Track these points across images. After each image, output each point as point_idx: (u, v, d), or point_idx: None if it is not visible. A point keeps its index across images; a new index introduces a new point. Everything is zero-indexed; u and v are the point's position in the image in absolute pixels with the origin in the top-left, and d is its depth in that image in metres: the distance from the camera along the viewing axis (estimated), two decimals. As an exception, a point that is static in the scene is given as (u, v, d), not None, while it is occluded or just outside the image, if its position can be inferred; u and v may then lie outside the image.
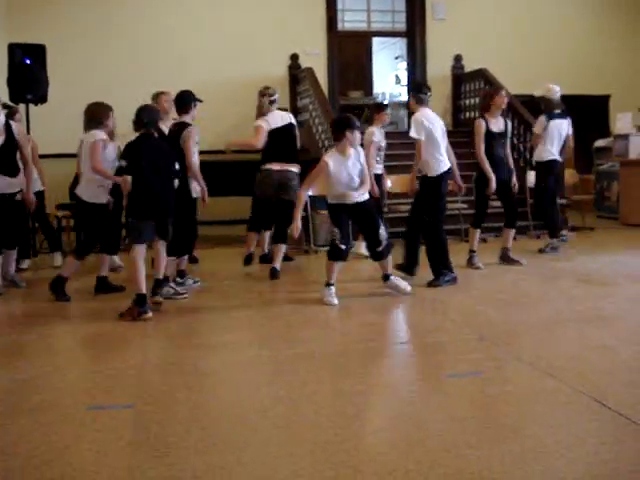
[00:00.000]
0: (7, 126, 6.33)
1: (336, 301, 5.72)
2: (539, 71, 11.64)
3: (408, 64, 13.40)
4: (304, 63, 11.65)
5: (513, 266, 7.26)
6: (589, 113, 12.34)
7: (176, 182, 5.83)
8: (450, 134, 7.29)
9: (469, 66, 12.32)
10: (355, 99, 13.65)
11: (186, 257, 6.48)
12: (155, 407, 3.50)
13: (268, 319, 5.55)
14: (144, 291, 5.41)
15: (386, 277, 6.06)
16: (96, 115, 6.25)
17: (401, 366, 4.36)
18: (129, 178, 5.48)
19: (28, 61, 8.33)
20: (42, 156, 8.06)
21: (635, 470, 2.69)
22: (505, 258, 7.39)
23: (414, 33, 12.77)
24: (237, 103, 10.31)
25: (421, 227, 6.56)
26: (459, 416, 3.26)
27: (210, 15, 11.46)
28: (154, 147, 5.62)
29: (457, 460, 2.77)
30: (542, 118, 8.42)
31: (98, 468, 2.80)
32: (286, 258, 7.71)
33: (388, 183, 8.53)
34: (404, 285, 6.04)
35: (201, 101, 6.42)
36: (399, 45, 15.10)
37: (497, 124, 7.26)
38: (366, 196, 5.91)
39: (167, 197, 5.65)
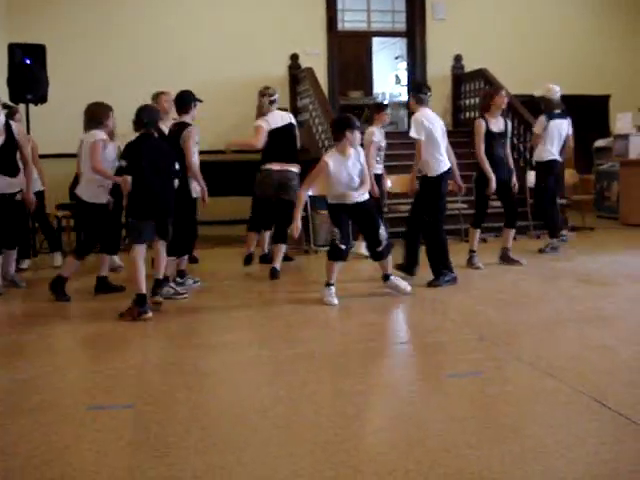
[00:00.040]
0: (7, 126, 6.33)
1: (336, 301, 5.72)
2: (539, 71, 11.64)
3: (408, 64, 13.40)
4: (304, 63, 11.65)
5: (513, 266, 7.26)
6: (589, 113, 12.34)
7: (176, 182, 5.83)
8: (450, 134, 7.29)
9: (469, 66, 12.32)
10: (355, 99, 13.65)
11: (186, 257, 6.48)
12: (155, 407, 3.50)
13: (268, 319, 5.55)
14: (144, 291, 5.41)
15: (386, 277, 6.06)
16: (96, 115, 6.25)
17: (401, 366, 4.36)
18: (129, 178, 5.48)
19: (28, 61, 8.33)
20: (42, 156, 8.06)
21: (635, 470, 2.69)
22: (505, 258, 7.39)
23: (414, 33, 12.77)
24: (237, 103, 10.32)
25: (421, 227, 6.56)
26: (459, 416, 3.26)
27: (210, 15, 11.46)
28: (154, 147, 5.62)
29: (457, 460, 2.77)
30: (542, 118, 8.42)
31: (98, 468, 2.80)
32: (286, 258, 7.71)
33: (388, 183, 8.53)
34: (404, 285, 6.04)
35: (201, 101, 6.42)
36: (399, 45, 15.10)
37: (497, 124, 7.26)
38: (366, 196, 5.91)
39: (167, 197, 5.66)
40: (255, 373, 4.17)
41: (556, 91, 8.38)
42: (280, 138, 6.93)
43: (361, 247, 7.57)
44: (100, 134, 6.16)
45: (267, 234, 7.51)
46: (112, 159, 6.31)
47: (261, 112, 7.08)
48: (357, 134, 5.80)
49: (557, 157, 8.32)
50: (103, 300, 6.11)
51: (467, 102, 12.38)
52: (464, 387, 3.74)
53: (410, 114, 7.81)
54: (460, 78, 12.53)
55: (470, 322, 5.15)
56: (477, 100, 11.84)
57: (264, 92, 7.08)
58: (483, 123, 7.18)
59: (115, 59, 11.03)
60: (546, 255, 8.03)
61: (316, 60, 11.67)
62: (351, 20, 13.29)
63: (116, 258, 7.27)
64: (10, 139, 6.31)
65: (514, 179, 7.42)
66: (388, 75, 16.76)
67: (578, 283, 6.49)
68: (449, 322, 5.28)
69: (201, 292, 6.42)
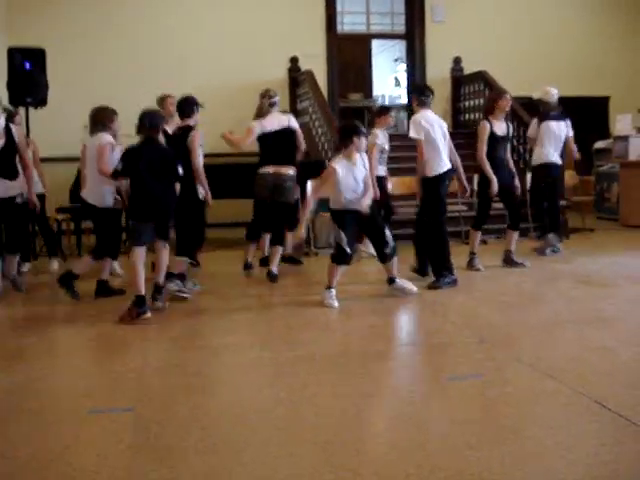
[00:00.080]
0: (7, 129, 6.34)
1: (337, 304, 5.72)
2: (539, 73, 11.63)
3: (407, 66, 13.41)
4: (304, 66, 11.65)
5: (515, 268, 7.25)
6: (589, 114, 12.34)
7: (177, 186, 5.86)
8: (449, 136, 7.29)
9: (468, 68, 12.31)
10: (355, 101, 13.64)
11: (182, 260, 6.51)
12: (155, 410, 3.50)
13: (269, 321, 5.56)
14: (143, 292, 5.43)
15: (391, 280, 6.06)
16: (101, 119, 6.34)
17: (401, 368, 4.36)
18: (124, 181, 5.54)
19: (28, 65, 8.35)
20: (41, 159, 8.07)
21: (635, 472, 2.69)
22: (508, 261, 7.38)
23: (413, 35, 12.78)
24: (237, 106, 10.28)
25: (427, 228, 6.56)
26: (459, 418, 3.26)
27: (210, 18, 11.46)
28: (155, 151, 5.65)
29: (457, 462, 2.77)
30: (534, 121, 8.47)
31: (98, 469, 2.80)
32: (294, 260, 7.74)
33: (389, 185, 8.52)
34: (410, 286, 6.05)
35: (202, 106, 6.52)
36: (398, 47, 15.10)
37: (501, 127, 7.29)
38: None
39: (167, 200, 5.68)
40: (256, 375, 4.18)
41: (553, 94, 8.38)
42: (275, 141, 6.94)
43: (370, 247, 7.55)
44: (108, 137, 6.24)
45: (267, 236, 7.50)
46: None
47: (260, 113, 7.09)
48: (363, 140, 5.88)
49: (553, 159, 8.29)
50: (103, 303, 6.10)
51: (466, 104, 12.38)
52: (464, 389, 3.74)
53: (410, 116, 7.82)
54: (459, 80, 12.53)
55: (470, 324, 5.16)
56: (476, 102, 11.89)
57: (264, 94, 7.11)
58: (488, 125, 7.20)
59: (115, 62, 11.03)
60: (546, 257, 8.02)
61: (316, 62, 11.66)
62: (350, 22, 13.30)
63: (116, 265, 7.24)
64: (10, 142, 6.32)
65: (516, 181, 7.42)
66: (387, 77, 16.77)
67: (578, 284, 6.49)
68: (449, 324, 5.29)
69: (202, 295, 6.41)
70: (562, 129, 8.33)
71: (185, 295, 6.17)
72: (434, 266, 6.44)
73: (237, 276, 7.27)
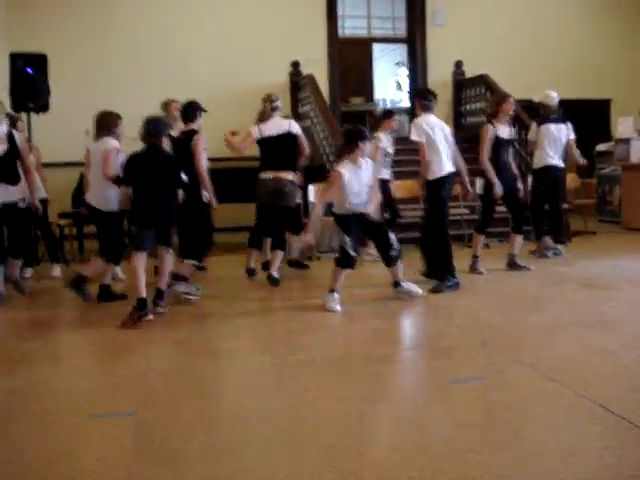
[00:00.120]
0: (10, 135, 6.37)
1: (339, 308, 5.72)
2: (540, 75, 11.63)
3: (409, 70, 13.42)
4: (305, 70, 11.67)
5: (519, 271, 7.24)
6: (590, 117, 12.34)
7: (181, 192, 5.88)
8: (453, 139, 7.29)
9: (470, 72, 12.32)
10: (356, 105, 13.66)
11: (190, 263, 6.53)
12: (158, 414, 3.50)
13: (271, 325, 5.56)
14: (144, 295, 5.44)
15: (397, 284, 6.06)
16: (106, 123, 6.39)
17: (404, 372, 4.35)
18: (124, 188, 5.58)
19: (30, 70, 8.36)
20: (43, 164, 8.09)
21: (638, 474, 2.69)
22: (512, 264, 7.37)
23: (414, 39, 12.80)
24: (238, 111, 10.25)
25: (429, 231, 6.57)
26: (461, 421, 3.26)
27: (211, 23, 11.50)
28: (158, 157, 5.68)
29: (459, 465, 2.76)
30: (533, 125, 8.47)
31: (99, 472, 2.80)
32: (300, 264, 7.78)
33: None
34: (415, 289, 6.06)
35: (205, 111, 6.58)
36: (399, 51, 15.12)
37: (505, 131, 7.30)
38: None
39: (169, 207, 5.71)
40: (258, 379, 4.18)
41: (553, 97, 8.39)
42: (274, 146, 6.95)
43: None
44: (114, 142, 6.29)
45: (268, 241, 7.51)
46: None
47: (262, 118, 7.11)
48: (368, 145, 5.92)
49: (553, 162, 8.28)
50: (105, 308, 6.11)
51: (468, 107, 12.38)
52: (467, 392, 3.74)
53: (412, 120, 7.83)
54: (461, 84, 12.54)
55: (473, 327, 5.15)
56: (478, 105, 11.89)
57: (267, 98, 7.14)
58: (491, 129, 7.21)
59: (116, 67, 11.06)
60: (548, 259, 8.03)
61: (317, 67, 11.69)
62: (352, 27, 13.33)
63: (119, 270, 7.25)
64: (13, 148, 6.35)
65: (519, 184, 7.42)
66: (389, 81, 16.78)
67: (580, 287, 6.49)
68: (452, 327, 5.29)
69: (205, 298, 6.41)
70: (562, 132, 8.32)
71: (191, 297, 6.21)
72: (437, 269, 6.44)
73: (240, 280, 7.28)
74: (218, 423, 3.37)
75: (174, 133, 6.55)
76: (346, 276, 5.89)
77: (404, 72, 15.17)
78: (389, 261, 5.99)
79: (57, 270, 7.87)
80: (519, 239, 7.41)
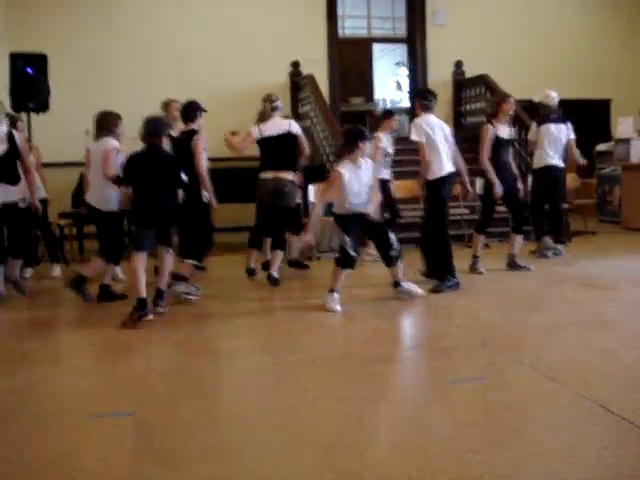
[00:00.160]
0: (10, 135, 6.37)
1: (339, 307, 5.72)
2: (540, 76, 11.64)
3: (409, 70, 13.43)
4: (305, 70, 11.67)
5: (519, 271, 7.24)
6: (590, 117, 12.34)
7: (181, 192, 5.88)
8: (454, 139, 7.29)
9: (470, 72, 12.33)
10: (356, 105, 13.66)
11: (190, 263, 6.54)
12: (158, 414, 3.51)
13: (270, 325, 5.57)
14: (144, 295, 5.45)
15: (397, 284, 6.06)
16: (106, 123, 6.39)
17: (404, 372, 4.35)
18: (125, 188, 5.59)
19: (30, 70, 8.37)
20: (43, 164, 8.09)
21: (637, 474, 2.69)
22: (512, 264, 7.37)
23: (414, 39, 12.80)
24: (238, 110, 10.27)
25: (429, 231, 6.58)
26: (461, 421, 3.26)
27: (211, 23, 11.51)
28: (158, 157, 5.69)
29: (459, 465, 2.76)
30: (533, 125, 8.47)
31: (99, 472, 2.81)
32: (300, 264, 7.79)
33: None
34: (415, 289, 6.06)
35: (205, 111, 6.59)
36: (399, 51, 15.12)
37: (505, 131, 7.31)
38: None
39: (169, 207, 5.71)
40: (258, 379, 4.18)
41: (553, 97, 8.39)
42: (274, 146, 6.95)
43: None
44: (114, 142, 6.31)
45: (268, 241, 7.51)
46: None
47: (262, 118, 7.11)
48: (368, 145, 5.93)
49: (552, 162, 8.27)
50: (105, 308, 6.11)
51: (468, 107, 12.38)
52: (467, 392, 3.74)
53: (412, 120, 7.83)
54: (461, 84, 12.54)
55: (473, 327, 5.16)
56: (478, 105, 11.90)
57: (267, 98, 7.14)
58: (490, 129, 7.22)
59: (116, 66, 11.07)
60: (548, 259, 8.03)
61: (317, 67, 11.69)
62: (352, 27, 13.34)
63: (118, 270, 7.25)
64: (12, 148, 6.35)
65: (519, 184, 7.43)
66: (389, 81, 16.78)
67: (580, 287, 6.49)
68: (452, 327, 5.29)
69: (205, 298, 6.42)
70: (562, 132, 8.31)
71: (191, 297, 6.23)
72: (437, 269, 6.44)
73: (240, 280, 7.29)
74: (218, 423, 3.37)
75: (174, 133, 6.55)
76: (346, 276, 5.89)
77: (404, 72, 15.17)
78: (389, 261, 5.99)
79: (57, 270, 7.87)
80: (519, 239, 7.41)
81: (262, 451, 2.99)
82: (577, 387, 3.62)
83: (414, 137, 6.50)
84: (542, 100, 8.46)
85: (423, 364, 4.51)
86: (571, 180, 9.98)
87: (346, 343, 5.04)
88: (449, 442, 3.02)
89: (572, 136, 8.39)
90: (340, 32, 12.58)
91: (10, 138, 6.36)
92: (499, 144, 7.21)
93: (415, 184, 8.70)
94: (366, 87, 13.90)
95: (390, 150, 8.08)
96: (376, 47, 14.17)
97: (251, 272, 7.31)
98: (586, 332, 4.85)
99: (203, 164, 6.35)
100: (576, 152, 8.50)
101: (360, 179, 5.82)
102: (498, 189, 7.09)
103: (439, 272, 6.42)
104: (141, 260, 5.62)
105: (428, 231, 6.61)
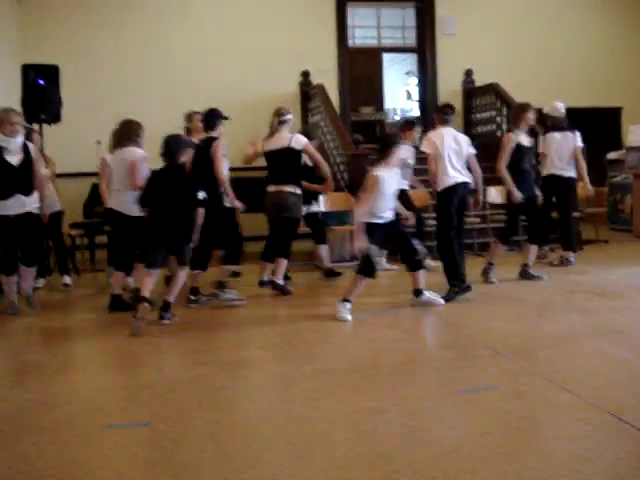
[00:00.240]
0: (25, 147, 6.39)
1: (350, 317, 5.71)
2: (550, 84, 11.65)
3: (419, 79, 13.45)
4: (315, 80, 11.71)
5: (532, 281, 7.20)
6: (601, 125, 12.33)
7: (201, 210, 5.86)
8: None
9: (479, 80, 12.34)
10: (366, 115, 13.70)
11: (198, 272, 6.55)
12: (171, 424, 3.50)
13: (283, 335, 5.54)
14: (147, 295, 5.51)
15: (418, 292, 6.07)
16: (130, 132, 6.43)
17: (416, 382, 4.33)
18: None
19: (41, 82, 8.43)
20: (56, 175, 8.12)
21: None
22: (525, 275, 7.31)
23: (424, 49, 12.83)
24: (248, 120, 10.29)
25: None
26: (474, 432, 3.24)
27: (222, 33, 11.57)
28: (175, 177, 5.76)
29: (472, 476, 2.75)
30: (541, 137, 8.46)
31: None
32: (333, 274, 7.85)
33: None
34: (435, 297, 6.12)
35: (227, 118, 6.68)
36: (409, 61, 15.16)
37: (526, 139, 7.31)
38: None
39: (182, 226, 5.75)
40: (271, 390, 4.17)
41: (559, 108, 8.40)
42: (275, 161, 7.00)
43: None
44: (140, 152, 6.36)
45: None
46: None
47: (271, 131, 7.14)
48: (399, 152, 5.99)
49: (556, 171, 8.23)
50: (117, 318, 6.12)
51: (478, 116, 12.39)
52: (479, 402, 3.72)
53: (424, 130, 7.86)
54: (471, 93, 12.55)
55: (485, 337, 5.13)
56: (488, 114, 11.90)
57: (275, 112, 7.16)
58: (512, 137, 7.20)
59: (128, 77, 11.14)
60: (560, 268, 8.00)
61: (327, 76, 11.73)
62: (362, 36, 13.38)
63: (130, 280, 7.24)
64: (27, 159, 6.37)
65: (537, 191, 7.39)
66: (399, 91, 16.81)
67: (593, 296, 6.45)
68: (464, 337, 5.27)
69: (216, 309, 6.42)
70: (568, 140, 8.27)
71: (238, 303, 6.44)
72: (447, 279, 6.44)
73: (251, 289, 7.27)
74: (230, 434, 3.37)
75: (196, 141, 6.64)
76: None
77: (414, 81, 15.21)
78: (413, 266, 5.99)
79: (67, 278, 7.88)
80: (533, 249, 7.37)
81: (275, 463, 2.98)
82: (590, 397, 3.59)
83: (423, 148, 6.64)
84: (549, 112, 8.47)
85: (436, 374, 4.48)
86: (582, 189, 9.93)
87: (357, 353, 5.01)
88: (461, 453, 3.00)
89: (579, 144, 8.34)
90: (350, 42, 12.62)
91: (25, 149, 6.39)
92: (521, 152, 7.17)
93: (425, 194, 8.74)
94: (376, 97, 13.94)
95: (411, 161, 8.05)
96: (386, 57, 14.21)
97: (264, 284, 7.31)
98: (599, 341, 4.82)
99: (223, 170, 6.42)
100: (584, 166, 8.37)
101: (394, 183, 5.87)
102: (517, 194, 7.06)
103: (449, 280, 6.42)
104: (152, 276, 5.69)
105: (439, 240, 6.64)
